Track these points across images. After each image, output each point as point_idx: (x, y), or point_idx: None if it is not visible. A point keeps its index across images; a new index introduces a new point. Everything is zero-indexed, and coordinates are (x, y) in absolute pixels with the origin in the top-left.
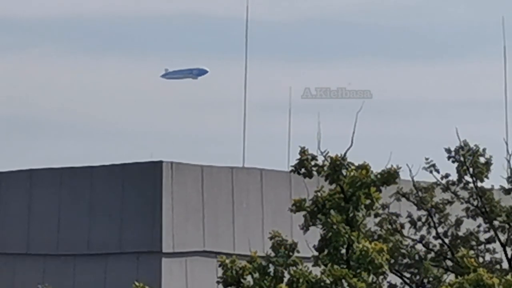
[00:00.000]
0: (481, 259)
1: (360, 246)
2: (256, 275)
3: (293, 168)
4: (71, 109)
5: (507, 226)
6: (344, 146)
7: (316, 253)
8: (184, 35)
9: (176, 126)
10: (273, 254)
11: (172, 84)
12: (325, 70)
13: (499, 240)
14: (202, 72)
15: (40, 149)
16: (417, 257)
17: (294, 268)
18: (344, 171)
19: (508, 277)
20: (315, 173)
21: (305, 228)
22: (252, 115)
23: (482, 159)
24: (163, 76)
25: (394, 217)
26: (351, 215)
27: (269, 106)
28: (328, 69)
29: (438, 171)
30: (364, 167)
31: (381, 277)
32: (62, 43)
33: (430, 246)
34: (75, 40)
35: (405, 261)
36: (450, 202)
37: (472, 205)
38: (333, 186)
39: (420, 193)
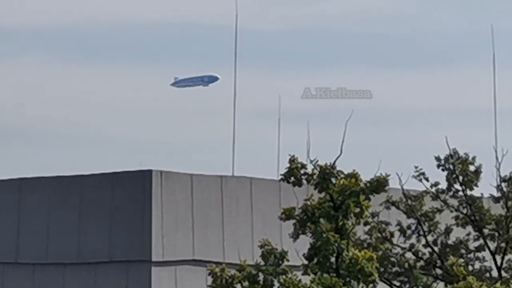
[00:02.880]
0: (470, 268)
1: (350, 254)
2: (246, 283)
3: (282, 176)
4: (62, 117)
5: (496, 234)
6: (334, 154)
7: (305, 262)
8: (185, 44)
9: (166, 134)
10: (262, 263)
11: (181, 93)
12: (316, 79)
13: (489, 249)
14: (213, 79)
15: (30, 158)
16: (406, 265)
17: (284, 276)
18: (333, 180)
19: (498, 285)
20: (304, 181)
21: (295, 236)
22: (242, 123)
23: (471, 168)
24: (173, 84)
25: (383, 226)
26: (340, 223)
27: (259, 114)
28: (319, 78)
29: (427, 180)
30: (354, 176)
31: (371, 285)
32: (59, 51)
33: (420, 255)
34: (72, 49)
35: (394, 269)
36: (440, 211)
37: (462, 213)
38: (323, 194)
39: (409, 201)
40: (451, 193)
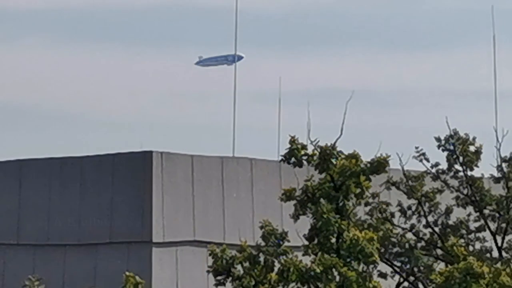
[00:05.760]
0: (471, 248)
1: (350, 235)
2: (247, 264)
3: (283, 157)
4: (62, 99)
5: (497, 214)
6: (335, 135)
7: (306, 242)
8: (207, 24)
9: (167, 116)
10: (263, 244)
11: (204, 72)
12: (316, 62)
13: (489, 229)
14: (238, 58)
15: (31, 139)
16: (407, 246)
17: (285, 257)
18: (334, 160)
19: (498, 265)
20: (305, 162)
21: (295, 217)
22: (243, 105)
23: (472, 148)
24: (197, 63)
25: (384, 206)
26: (341, 204)
27: (259, 96)
28: (320, 62)
29: (428, 160)
30: (354, 156)
31: (372, 266)
32: (71, 33)
33: (420, 235)
34: (81, 30)
35: (395, 250)
36: (440, 191)
37: (462, 193)
38: (323, 175)
39: (410, 182)
40: (451, 174)
